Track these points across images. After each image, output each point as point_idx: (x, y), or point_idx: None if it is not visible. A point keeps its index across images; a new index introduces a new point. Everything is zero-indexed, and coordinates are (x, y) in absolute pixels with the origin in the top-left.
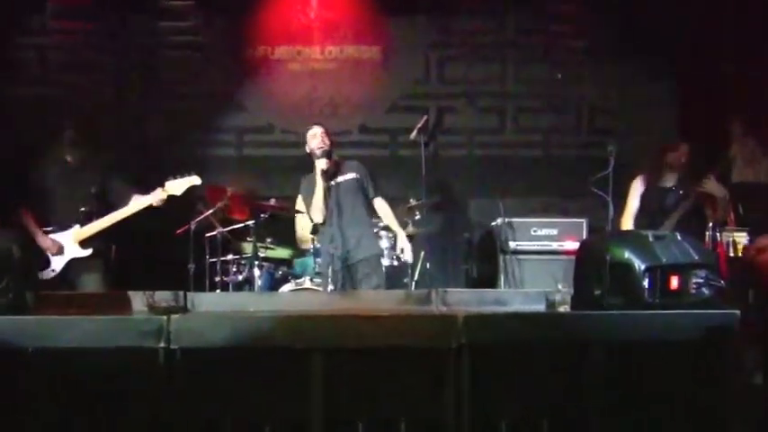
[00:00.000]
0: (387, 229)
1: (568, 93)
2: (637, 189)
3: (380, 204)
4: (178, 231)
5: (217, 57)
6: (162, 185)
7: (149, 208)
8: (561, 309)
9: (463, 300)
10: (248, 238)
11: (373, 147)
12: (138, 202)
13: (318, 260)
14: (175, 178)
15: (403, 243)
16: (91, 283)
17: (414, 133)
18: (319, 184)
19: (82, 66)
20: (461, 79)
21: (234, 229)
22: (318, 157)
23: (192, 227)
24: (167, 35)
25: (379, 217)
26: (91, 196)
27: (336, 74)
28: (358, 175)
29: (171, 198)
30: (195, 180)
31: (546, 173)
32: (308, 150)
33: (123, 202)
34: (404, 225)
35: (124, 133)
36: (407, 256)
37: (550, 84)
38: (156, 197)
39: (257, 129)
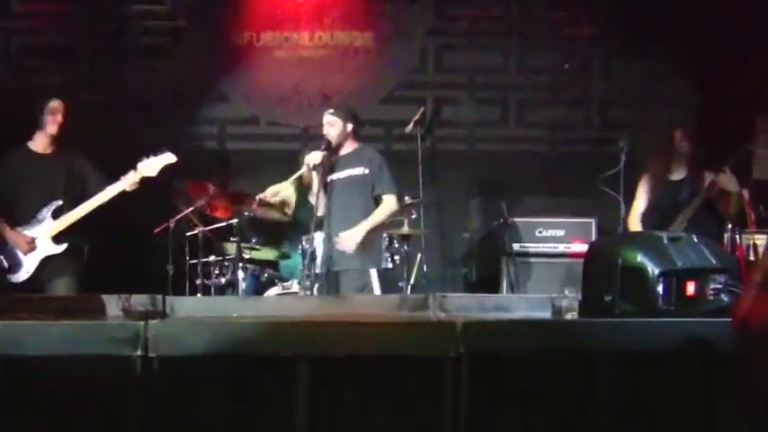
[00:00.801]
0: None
1: (577, 84)
2: (644, 186)
3: (386, 202)
4: (156, 230)
5: (196, 43)
6: (134, 167)
7: (125, 195)
8: (568, 316)
9: (462, 305)
10: (232, 238)
11: (366, 140)
12: (111, 188)
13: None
14: (148, 158)
15: (349, 232)
16: (63, 286)
17: (410, 126)
18: (314, 177)
19: (48, 52)
20: (461, 68)
21: (216, 229)
22: (321, 149)
23: (171, 225)
24: (141, 19)
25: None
26: (63, 187)
27: (326, 62)
28: (367, 170)
29: (147, 182)
30: (170, 158)
31: (552, 170)
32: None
33: (98, 191)
34: (398, 225)
35: (96, 124)
36: (342, 246)
37: (557, 74)
38: (129, 180)
39: (241, 121)
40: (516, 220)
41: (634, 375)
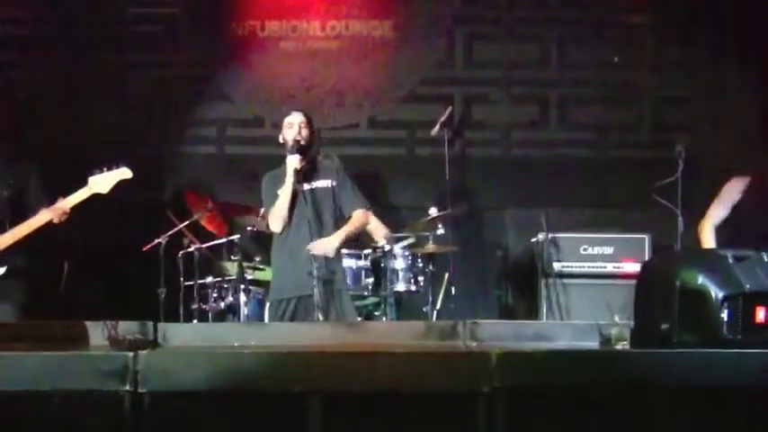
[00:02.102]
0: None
1: (627, 79)
2: (731, 194)
3: (357, 215)
4: (145, 247)
5: (193, 33)
6: (85, 182)
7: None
8: (618, 345)
9: (496, 333)
10: (232, 257)
11: (386, 144)
12: (43, 214)
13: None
14: (101, 171)
15: (323, 241)
16: (2, 315)
17: (436, 128)
18: (288, 184)
19: (23, 41)
20: (494, 61)
21: (215, 246)
22: (290, 152)
23: (163, 242)
24: (128, 5)
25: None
26: (3, 199)
27: (340, 55)
28: (334, 183)
29: (98, 198)
30: (125, 173)
31: (599, 177)
32: (281, 140)
33: (37, 207)
34: (423, 241)
35: (75, 125)
36: (317, 250)
37: (604, 68)
38: (72, 201)
39: (243, 122)
40: (558, 235)
41: (693, 413)
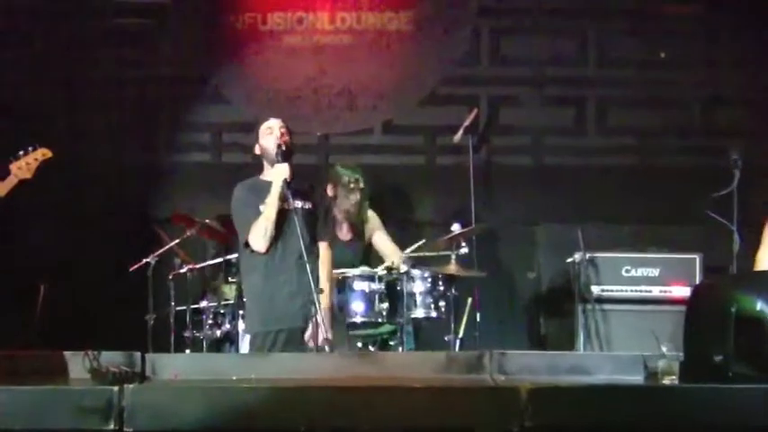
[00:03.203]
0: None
1: (674, 77)
2: None
3: (325, 250)
4: (132, 267)
5: (186, 27)
6: (6, 172)
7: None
8: (666, 380)
9: (527, 366)
10: (230, 278)
11: (403, 152)
12: None
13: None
14: (18, 158)
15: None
16: None
17: (459, 134)
18: (275, 195)
19: None
20: (524, 58)
21: (210, 266)
22: (280, 159)
23: (152, 262)
24: None
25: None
26: None
27: (351, 51)
28: (314, 203)
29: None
30: (45, 153)
31: (643, 189)
32: (257, 152)
33: None
34: (444, 262)
35: (50, 125)
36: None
37: (649, 65)
38: (5, 187)
39: (242, 126)
40: (597, 255)
41: None
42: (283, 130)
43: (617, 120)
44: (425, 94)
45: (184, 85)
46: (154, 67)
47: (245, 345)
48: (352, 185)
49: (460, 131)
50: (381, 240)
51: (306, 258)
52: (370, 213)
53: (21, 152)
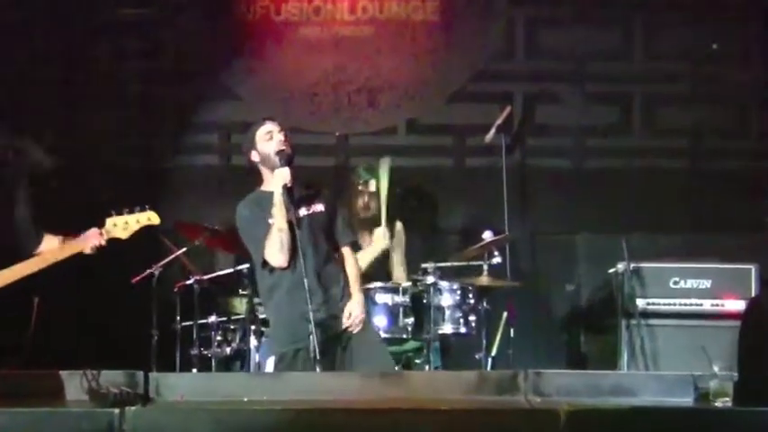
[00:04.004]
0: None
1: (729, 73)
2: None
3: (349, 254)
4: (134, 279)
5: (192, 17)
6: (100, 222)
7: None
8: (718, 402)
9: (566, 386)
10: (240, 291)
11: (429, 153)
12: (57, 249)
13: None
14: (120, 214)
15: (353, 307)
16: None
17: (491, 133)
18: (279, 204)
19: None
20: (564, 52)
21: (219, 277)
22: (280, 165)
23: (156, 273)
24: None
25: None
26: None
27: (374, 43)
28: (326, 207)
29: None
30: (153, 218)
31: (693, 194)
32: (254, 159)
33: (28, 242)
34: (474, 272)
35: (44, 123)
36: (348, 322)
37: (701, 59)
38: (89, 242)
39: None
40: (642, 265)
41: None
42: (282, 132)
43: (665, 119)
44: (454, 91)
45: (190, 81)
46: (157, 61)
47: (269, 366)
48: (360, 188)
49: (492, 131)
50: (395, 261)
51: (323, 268)
52: (399, 226)
53: (125, 209)
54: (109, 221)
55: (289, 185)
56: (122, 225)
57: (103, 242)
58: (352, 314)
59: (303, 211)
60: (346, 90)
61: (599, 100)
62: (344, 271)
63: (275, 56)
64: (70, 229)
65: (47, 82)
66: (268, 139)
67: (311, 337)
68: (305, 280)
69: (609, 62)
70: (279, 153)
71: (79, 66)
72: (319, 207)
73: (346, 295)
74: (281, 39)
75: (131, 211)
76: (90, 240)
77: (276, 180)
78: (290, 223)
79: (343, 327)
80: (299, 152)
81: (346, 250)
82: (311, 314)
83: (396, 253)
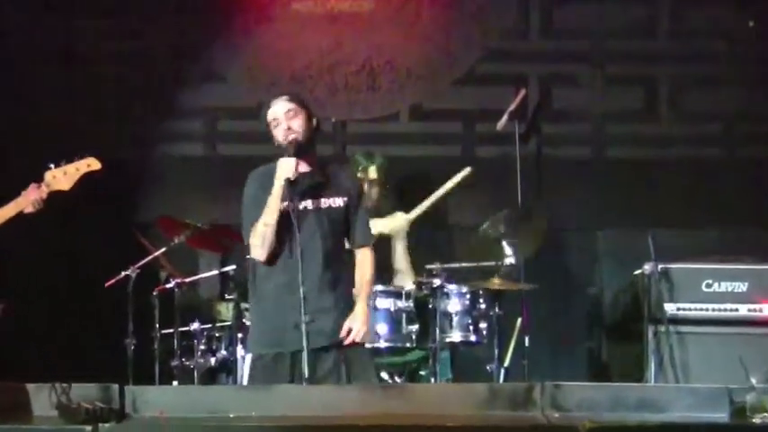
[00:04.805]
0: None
1: (765, 52)
2: None
3: (364, 258)
4: (108, 282)
5: None
6: (39, 179)
7: (23, 218)
8: (756, 418)
9: (587, 400)
10: (226, 295)
11: (435, 141)
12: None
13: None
14: (59, 165)
15: (354, 321)
16: None
17: (503, 120)
18: (275, 196)
19: None
20: (583, 29)
21: (203, 280)
22: (287, 155)
23: (132, 275)
24: None
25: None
26: None
27: (374, 20)
28: (346, 201)
29: (42, 215)
30: (92, 164)
31: (727, 186)
32: (275, 144)
33: None
34: (486, 274)
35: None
36: (348, 338)
37: (734, 37)
38: (28, 198)
39: (241, 112)
40: (671, 266)
41: None
42: (291, 114)
43: (695, 103)
44: (462, 73)
45: (170, 62)
46: (133, 40)
47: (245, 370)
48: (359, 175)
49: (505, 117)
50: (398, 254)
51: (320, 273)
52: (400, 216)
53: (63, 160)
54: (47, 174)
55: (291, 179)
56: (62, 176)
57: (44, 195)
58: (353, 329)
59: (308, 204)
60: (343, 72)
61: (622, 82)
62: (347, 275)
63: (264, 33)
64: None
65: (9, 63)
66: (275, 126)
67: (303, 354)
68: (300, 288)
69: (632, 40)
70: (287, 143)
71: (46, 45)
72: (337, 201)
73: (343, 304)
74: (271, 14)
75: (70, 161)
76: (29, 196)
77: (278, 171)
78: (286, 216)
79: (340, 341)
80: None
81: (362, 252)
82: (303, 325)
83: (399, 247)
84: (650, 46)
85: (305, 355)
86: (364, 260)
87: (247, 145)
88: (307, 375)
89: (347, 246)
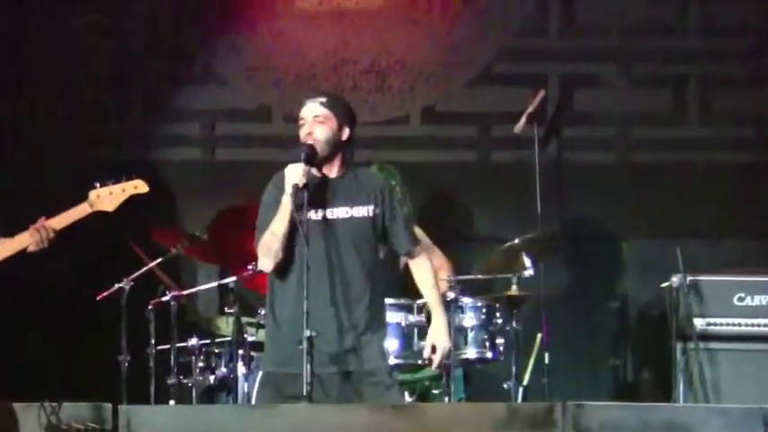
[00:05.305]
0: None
1: None
2: None
3: (418, 264)
4: (100, 296)
5: None
6: (84, 196)
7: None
8: None
9: (611, 421)
10: (226, 309)
11: (448, 146)
12: (22, 237)
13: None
14: (105, 184)
15: (437, 337)
16: None
17: (521, 123)
18: (285, 204)
19: None
20: (605, 25)
21: (201, 293)
22: (303, 159)
23: (126, 288)
24: None
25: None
26: None
27: (383, 17)
28: (372, 211)
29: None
30: (139, 186)
31: (761, 193)
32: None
33: None
34: (503, 287)
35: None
36: (434, 359)
37: None
38: (32, 234)
39: (242, 114)
40: (701, 278)
41: None
42: (320, 118)
43: (726, 105)
44: (477, 73)
45: (166, 61)
46: (126, 38)
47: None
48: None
49: (523, 120)
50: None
51: (338, 288)
52: (418, 232)
53: (110, 179)
54: (92, 193)
55: (300, 186)
56: (107, 196)
57: (51, 235)
58: (438, 346)
59: (323, 215)
60: (350, 72)
61: (648, 82)
62: (377, 292)
63: (266, 31)
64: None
65: None
66: (301, 126)
67: (304, 369)
68: (305, 301)
69: (660, 37)
70: (303, 144)
71: (34, 42)
72: (361, 211)
73: (364, 327)
74: (274, 11)
75: (117, 181)
76: (32, 233)
77: (286, 177)
78: (298, 224)
79: (427, 362)
80: (295, 144)
81: (414, 260)
82: (304, 341)
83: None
84: (679, 43)
85: (304, 374)
86: (419, 266)
87: (248, 149)
88: (304, 394)
89: (381, 256)
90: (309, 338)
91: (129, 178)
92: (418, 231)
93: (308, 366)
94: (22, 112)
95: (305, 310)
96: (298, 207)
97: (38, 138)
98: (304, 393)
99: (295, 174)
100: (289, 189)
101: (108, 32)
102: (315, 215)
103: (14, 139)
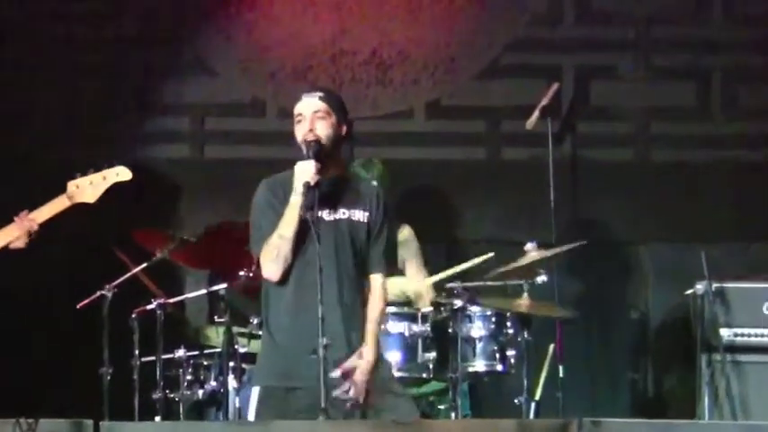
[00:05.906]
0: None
1: None
2: None
3: (376, 295)
4: (80, 304)
5: None
6: (62, 188)
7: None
8: None
9: None
10: (216, 318)
11: (455, 142)
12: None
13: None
14: (86, 174)
15: (360, 367)
16: None
17: (534, 117)
18: (293, 205)
19: None
20: (624, 15)
21: (189, 300)
22: (310, 157)
23: (108, 295)
24: None
25: None
26: None
27: (385, 5)
28: (366, 216)
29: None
30: (122, 173)
31: None
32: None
33: None
34: (514, 294)
35: None
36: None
37: None
38: (18, 227)
39: (234, 108)
40: (728, 285)
41: None
42: (320, 113)
43: (753, 99)
44: (486, 64)
45: (153, 52)
46: (111, 27)
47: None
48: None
49: (536, 114)
50: (410, 274)
51: (343, 291)
52: (407, 232)
53: (90, 169)
54: (70, 185)
55: (311, 184)
56: (87, 186)
57: (35, 227)
58: (356, 378)
59: (327, 214)
60: (349, 63)
61: (669, 75)
62: (363, 294)
63: (260, 20)
64: None
65: None
66: (297, 122)
67: (320, 379)
68: (319, 307)
69: (680, 27)
70: (305, 143)
71: (12, 32)
72: (357, 215)
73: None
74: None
75: (98, 169)
76: (17, 226)
77: (296, 174)
78: (305, 225)
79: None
80: (290, 140)
81: (376, 279)
82: (321, 349)
83: (410, 264)
84: (702, 33)
85: (321, 384)
86: (375, 294)
87: (239, 146)
88: (323, 406)
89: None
90: (325, 347)
91: (111, 165)
92: (409, 235)
93: (323, 377)
94: (3, 111)
95: (320, 316)
96: (308, 206)
97: (21, 137)
98: (323, 405)
99: (306, 171)
100: (299, 188)
101: (88, 19)
102: (327, 216)
103: None
